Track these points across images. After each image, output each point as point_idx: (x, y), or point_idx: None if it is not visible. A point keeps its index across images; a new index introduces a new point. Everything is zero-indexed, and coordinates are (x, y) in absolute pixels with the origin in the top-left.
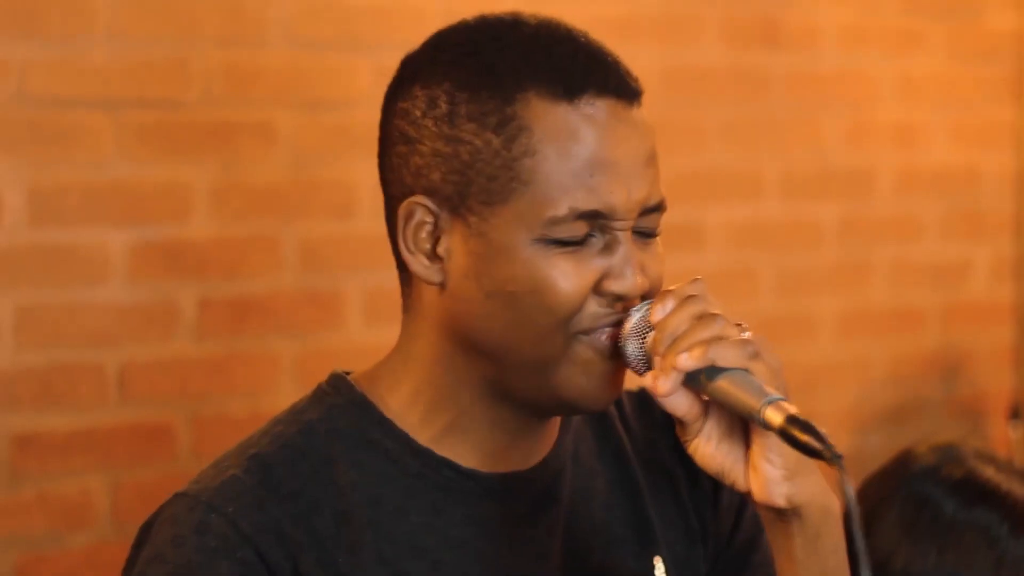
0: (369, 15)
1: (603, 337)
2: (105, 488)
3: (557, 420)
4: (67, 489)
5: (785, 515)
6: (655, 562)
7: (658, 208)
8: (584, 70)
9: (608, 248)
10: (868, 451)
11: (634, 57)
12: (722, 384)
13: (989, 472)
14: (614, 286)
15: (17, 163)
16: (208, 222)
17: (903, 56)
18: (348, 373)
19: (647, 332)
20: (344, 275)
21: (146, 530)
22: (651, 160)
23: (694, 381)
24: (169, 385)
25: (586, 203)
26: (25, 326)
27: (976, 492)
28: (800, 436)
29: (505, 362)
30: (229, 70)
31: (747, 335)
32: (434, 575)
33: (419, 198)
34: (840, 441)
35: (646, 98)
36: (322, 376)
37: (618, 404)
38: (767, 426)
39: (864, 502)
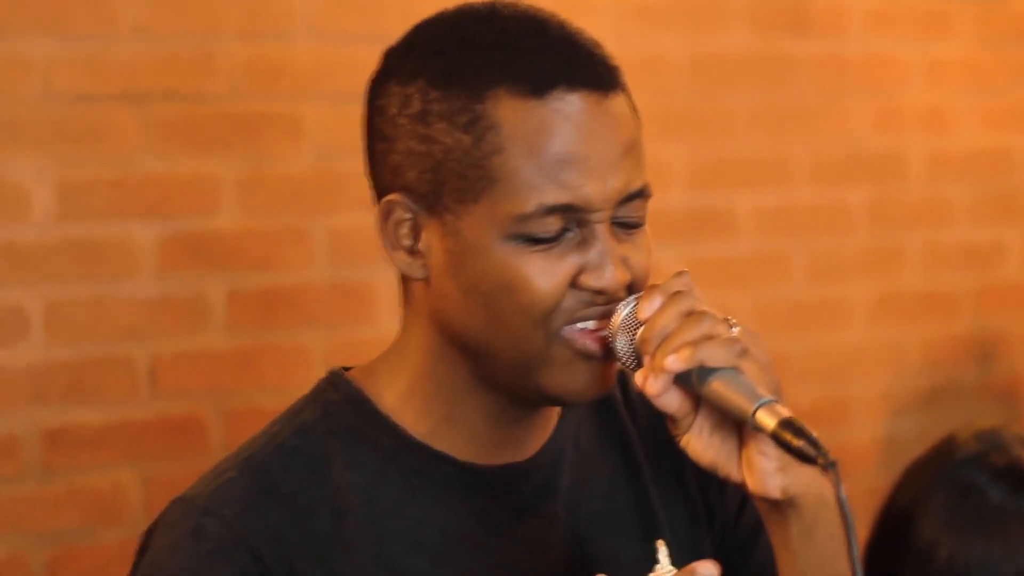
0: (395, 6)
1: (586, 339)
2: (137, 482)
3: (555, 407)
4: (99, 483)
5: (780, 506)
6: (658, 546)
7: (640, 194)
8: (554, 65)
9: (584, 242)
10: (902, 436)
11: (661, 44)
12: (714, 386)
13: None
14: (592, 281)
15: (45, 159)
16: (236, 215)
17: (931, 40)
18: (349, 368)
19: (636, 327)
20: (374, 267)
21: (147, 537)
22: (630, 149)
23: (685, 381)
24: (199, 378)
25: (555, 198)
26: (55, 321)
27: (1022, 480)
28: (793, 441)
29: (488, 360)
30: (255, 63)
31: (736, 331)
32: (433, 570)
33: (396, 196)
34: (874, 427)
35: (674, 86)
36: None
37: (622, 386)
38: (760, 429)
39: (907, 490)
